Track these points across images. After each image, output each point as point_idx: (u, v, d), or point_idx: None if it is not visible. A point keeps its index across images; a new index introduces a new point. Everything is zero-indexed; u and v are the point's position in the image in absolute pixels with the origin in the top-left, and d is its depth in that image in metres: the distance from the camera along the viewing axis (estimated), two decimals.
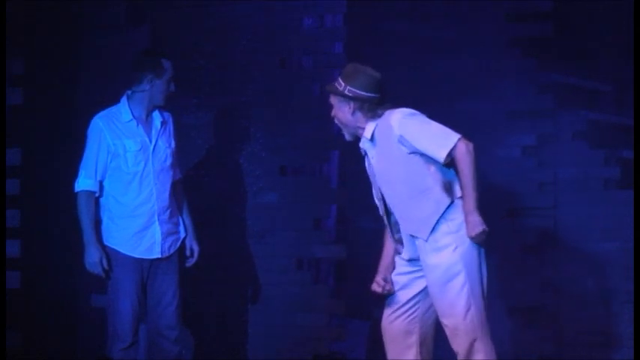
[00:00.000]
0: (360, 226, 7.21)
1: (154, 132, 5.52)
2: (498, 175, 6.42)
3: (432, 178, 4.82)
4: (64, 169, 5.50)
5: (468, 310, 4.79)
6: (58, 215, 5.69)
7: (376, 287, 5.05)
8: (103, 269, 5.39)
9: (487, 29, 6.61)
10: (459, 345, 4.83)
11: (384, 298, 5.07)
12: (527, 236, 6.56)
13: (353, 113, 4.90)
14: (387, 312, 5.03)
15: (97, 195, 5.44)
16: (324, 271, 6.90)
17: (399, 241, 4.98)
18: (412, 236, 4.89)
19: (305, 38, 6.52)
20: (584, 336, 6.53)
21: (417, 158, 4.83)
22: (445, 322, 4.85)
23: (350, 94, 4.87)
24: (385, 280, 5.02)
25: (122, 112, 5.48)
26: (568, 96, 6.77)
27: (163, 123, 5.56)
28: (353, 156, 6.87)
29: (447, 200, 4.81)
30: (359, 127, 4.92)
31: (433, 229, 4.79)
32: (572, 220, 6.66)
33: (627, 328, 6.28)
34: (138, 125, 5.48)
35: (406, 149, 4.82)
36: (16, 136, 5.98)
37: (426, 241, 4.81)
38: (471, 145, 4.76)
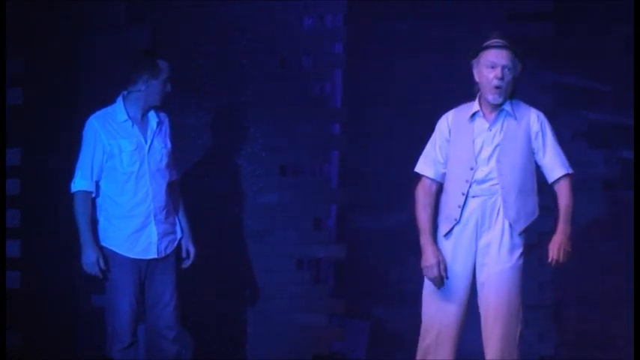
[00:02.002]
0: (360, 226, 7.21)
1: (149, 132, 5.50)
2: None
3: (535, 185, 4.96)
4: (64, 169, 5.49)
5: (518, 310, 4.93)
6: (58, 215, 5.69)
7: (436, 271, 4.93)
8: (100, 270, 5.38)
9: (487, 29, 6.59)
10: (496, 348, 4.83)
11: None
12: (528, 236, 6.55)
13: (515, 83, 4.97)
14: (439, 315, 4.97)
15: (93, 195, 5.43)
16: (324, 271, 6.90)
17: (456, 217, 4.93)
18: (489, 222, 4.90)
19: (305, 38, 6.52)
20: (584, 336, 6.53)
21: (533, 159, 4.95)
22: (491, 318, 4.86)
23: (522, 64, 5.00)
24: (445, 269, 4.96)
25: (117, 112, 5.46)
26: (568, 96, 6.76)
27: (159, 123, 5.54)
28: (353, 156, 6.90)
29: (538, 210, 4.95)
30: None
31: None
32: (572, 220, 6.65)
33: (627, 328, 6.27)
34: (133, 125, 5.46)
35: (532, 146, 4.92)
36: (16, 136, 5.97)
37: (517, 233, 4.90)
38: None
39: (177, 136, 6.24)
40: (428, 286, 4.99)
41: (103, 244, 5.43)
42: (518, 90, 6.45)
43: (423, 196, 5.02)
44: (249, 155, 6.50)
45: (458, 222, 4.92)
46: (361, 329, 7.01)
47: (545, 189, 6.58)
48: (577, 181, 6.66)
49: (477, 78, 5.00)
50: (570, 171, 4.95)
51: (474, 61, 5.01)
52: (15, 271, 5.92)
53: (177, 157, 6.05)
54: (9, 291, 5.77)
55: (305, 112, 6.45)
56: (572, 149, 6.64)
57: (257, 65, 6.51)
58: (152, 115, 5.52)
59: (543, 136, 4.93)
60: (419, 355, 5.00)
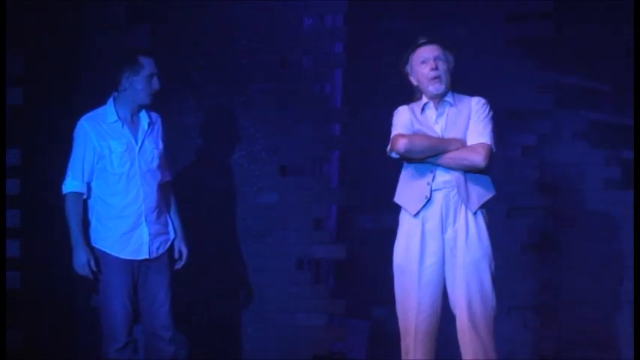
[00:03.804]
0: (360, 226, 7.22)
1: (140, 133, 5.47)
2: (498, 175, 6.42)
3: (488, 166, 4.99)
4: (64, 169, 5.49)
5: (492, 300, 4.87)
6: (58, 215, 5.68)
7: None
8: (92, 271, 5.37)
9: (487, 29, 6.61)
10: (473, 340, 4.83)
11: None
12: (527, 236, 6.57)
13: (452, 74, 5.06)
14: (414, 312, 4.97)
15: (84, 197, 5.43)
16: (324, 271, 6.91)
17: (427, 194, 4.94)
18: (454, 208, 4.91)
19: (305, 38, 6.52)
20: (584, 336, 6.53)
21: None
22: (465, 314, 4.84)
23: (455, 58, 5.09)
24: None
25: (108, 113, 5.44)
26: (568, 96, 6.78)
27: (150, 124, 5.50)
28: (353, 156, 6.90)
29: (494, 191, 4.97)
30: (447, 89, 5.04)
31: (480, 208, 4.92)
32: (572, 220, 6.66)
33: (627, 328, 6.29)
34: (123, 126, 5.43)
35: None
36: (16, 136, 5.97)
37: (473, 214, 4.89)
38: (485, 160, 4.88)
39: (177, 136, 6.25)
40: (400, 283, 5.00)
41: (95, 245, 5.40)
42: (518, 90, 6.49)
43: (409, 137, 4.98)
44: (249, 155, 6.50)
45: (429, 199, 4.94)
46: (361, 329, 7.02)
47: (545, 190, 6.61)
48: (577, 181, 6.70)
49: (414, 82, 5.10)
50: (485, 141, 4.93)
51: (408, 68, 5.11)
52: (15, 271, 5.91)
53: (177, 157, 6.05)
54: (9, 291, 5.76)
55: (305, 112, 6.45)
56: (572, 149, 6.68)
57: (257, 65, 6.51)
58: (143, 115, 5.49)
59: (475, 114, 5.00)
60: (402, 355, 5.01)
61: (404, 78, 5.12)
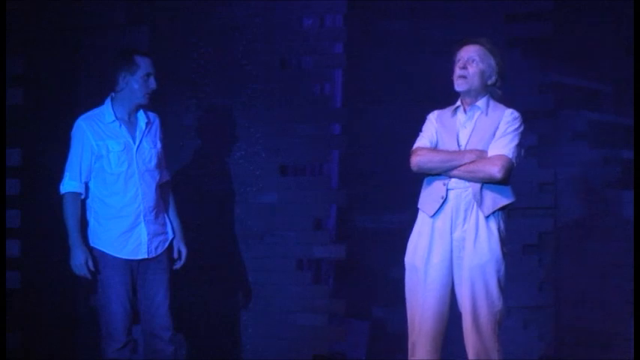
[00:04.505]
0: (360, 226, 7.22)
1: (138, 133, 5.46)
2: None
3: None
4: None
5: (500, 304, 4.85)
6: (58, 215, 5.69)
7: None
8: (90, 271, 5.37)
9: (487, 29, 6.60)
10: (476, 341, 4.83)
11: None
12: (527, 236, 6.57)
13: (489, 79, 5.02)
14: (419, 310, 4.97)
15: (83, 197, 5.42)
16: (324, 271, 6.90)
17: (443, 194, 4.95)
18: (465, 209, 4.90)
19: (305, 38, 6.52)
20: (584, 336, 6.53)
21: None
22: (469, 316, 4.83)
23: (502, 64, 5.03)
24: None
25: (105, 113, 5.43)
26: (568, 96, 6.77)
27: (148, 124, 5.49)
28: (353, 156, 6.90)
29: (512, 198, 4.93)
30: (477, 92, 5.00)
31: (494, 213, 4.89)
32: (572, 220, 6.66)
33: (627, 328, 6.28)
34: (121, 126, 5.43)
35: None
36: (16, 136, 5.97)
37: (486, 217, 4.87)
38: (502, 172, 4.84)
39: (177, 136, 6.25)
40: (409, 281, 5.00)
41: (93, 245, 5.40)
42: (518, 90, 6.48)
43: (427, 149, 5.03)
44: (249, 155, 6.50)
45: (445, 199, 4.93)
46: (361, 329, 7.02)
47: (545, 190, 6.61)
48: (577, 181, 6.70)
49: None
50: (505, 153, 4.91)
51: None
52: (15, 271, 5.91)
53: (177, 157, 6.04)
54: (9, 291, 5.77)
55: (305, 112, 6.45)
56: (572, 149, 6.67)
57: (257, 65, 6.51)
58: (141, 115, 5.49)
59: (504, 125, 4.98)
60: (409, 353, 5.01)
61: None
